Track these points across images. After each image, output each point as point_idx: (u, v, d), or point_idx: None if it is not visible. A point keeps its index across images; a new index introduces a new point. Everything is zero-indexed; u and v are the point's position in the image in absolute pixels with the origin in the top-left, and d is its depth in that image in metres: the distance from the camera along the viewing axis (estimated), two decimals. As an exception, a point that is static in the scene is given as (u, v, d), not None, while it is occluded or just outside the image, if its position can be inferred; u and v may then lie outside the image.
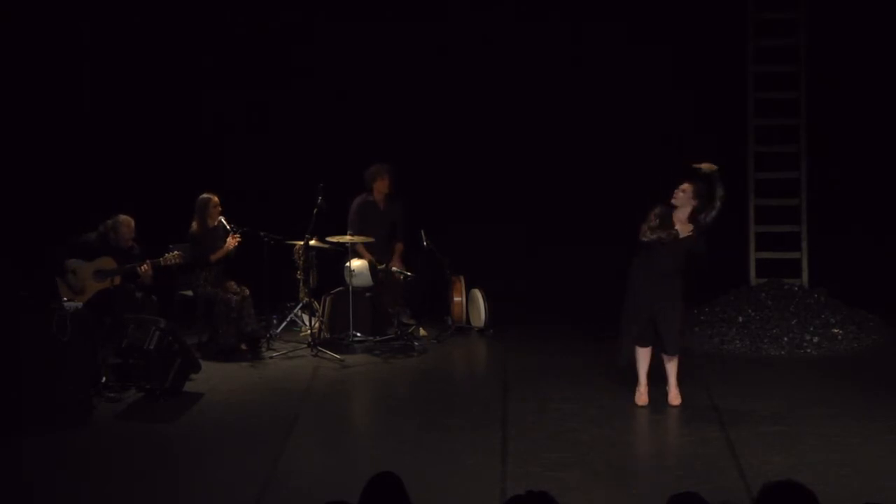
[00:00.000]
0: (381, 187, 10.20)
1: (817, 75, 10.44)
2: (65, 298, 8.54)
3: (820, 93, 10.45)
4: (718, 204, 7.64)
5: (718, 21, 10.70)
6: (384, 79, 11.20)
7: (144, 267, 9.00)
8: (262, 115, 11.31)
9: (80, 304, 8.33)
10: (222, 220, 9.54)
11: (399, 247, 10.31)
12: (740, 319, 9.81)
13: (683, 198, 7.68)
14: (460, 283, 10.46)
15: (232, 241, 9.46)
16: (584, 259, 10.78)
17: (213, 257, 9.53)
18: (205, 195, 9.58)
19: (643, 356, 7.92)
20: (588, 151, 11.09)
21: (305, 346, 9.62)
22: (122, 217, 9.14)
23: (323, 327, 9.96)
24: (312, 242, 9.76)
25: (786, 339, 9.54)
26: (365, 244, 10.07)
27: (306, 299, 9.96)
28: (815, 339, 9.53)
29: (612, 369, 8.45)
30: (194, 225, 9.58)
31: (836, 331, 9.62)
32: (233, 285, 9.54)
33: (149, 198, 10.40)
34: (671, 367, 7.94)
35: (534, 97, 11.18)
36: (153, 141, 11.21)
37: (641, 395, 7.95)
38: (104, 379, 8.29)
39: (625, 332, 7.95)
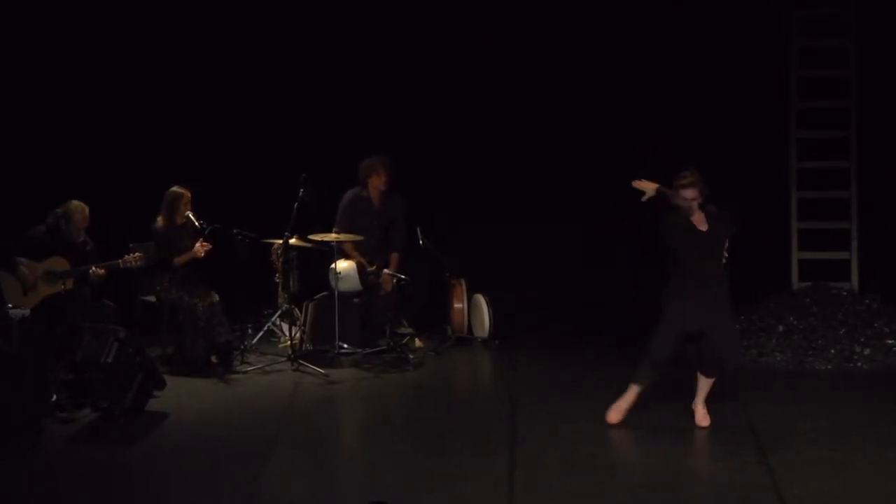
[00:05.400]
0: (376, 182, 10.20)
1: (870, 48, 10.41)
2: (9, 305, 8.51)
3: (873, 69, 10.43)
4: None
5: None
6: (377, 65, 11.23)
7: (93, 269, 8.98)
8: (238, 98, 11.32)
9: (27, 311, 8.31)
10: (190, 215, 9.51)
11: (395, 256, 10.26)
12: (781, 329, 9.81)
13: (694, 205, 7.67)
14: (461, 287, 10.48)
15: (201, 248, 9.43)
16: (601, 260, 10.78)
17: (178, 261, 9.50)
18: (176, 189, 9.55)
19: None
20: (606, 141, 11.13)
21: (285, 359, 9.62)
22: (75, 203, 9.12)
23: (305, 338, 9.96)
24: (293, 241, 9.75)
25: (833, 350, 9.54)
26: (355, 246, 10.06)
27: (286, 306, 9.96)
28: (867, 352, 9.53)
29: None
30: (160, 220, 9.55)
31: (890, 342, 9.61)
32: (202, 290, 9.52)
33: (105, 190, 10.38)
34: (704, 385, 7.94)
35: (550, 83, 11.23)
36: (112, 128, 11.20)
37: (615, 411, 7.95)
38: (55, 396, 8.27)
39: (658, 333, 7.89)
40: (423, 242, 10.15)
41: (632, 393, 7.94)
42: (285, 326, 10.11)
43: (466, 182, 11.29)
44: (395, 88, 11.23)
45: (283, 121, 11.31)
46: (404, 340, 10.11)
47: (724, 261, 7.72)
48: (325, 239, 9.80)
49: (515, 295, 10.80)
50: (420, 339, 10.31)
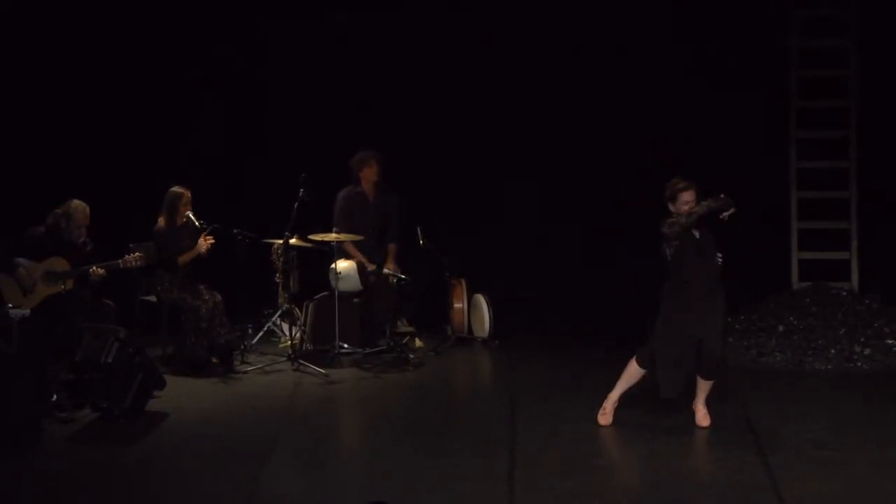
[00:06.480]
0: (368, 175, 10.22)
1: (870, 48, 10.41)
2: (9, 305, 8.52)
3: (873, 69, 10.43)
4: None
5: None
6: (375, 61, 11.22)
7: (93, 269, 8.99)
8: (237, 99, 11.31)
9: (27, 311, 8.31)
10: (190, 215, 9.52)
11: (392, 247, 10.31)
12: (781, 329, 9.81)
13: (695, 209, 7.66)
14: (461, 287, 10.47)
15: (204, 243, 9.45)
16: (600, 260, 10.77)
17: (182, 259, 9.51)
18: (177, 189, 9.56)
19: (636, 374, 7.92)
20: (606, 141, 11.12)
21: (285, 358, 9.62)
22: (76, 202, 9.10)
23: (305, 337, 9.96)
24: (293, 241, 9.75)
25: (833, 351, 9.54)
26: (354, 243, 10.07)
27: (286, 306, 9.96)
28: (867, 352, 9.52)
29: (634, 385, 8.45)
30: (161, 221, 9.57)
31: (890, 342, 9.60)
32: (202, 290, 9.52)
33: (105, 190, 10.38)
34: (703, 386, 7.94)
35: (550, 83, 11.21)
36: (112, 128, 11.20)
37: (605, 415, 7.96)
38: (55, 396, 8.26)
39: (662, 361, 7.86)
40: (423, 242, 10.15)
41: (616, 391, 7.94)
42: (285, 326, 10.11)
43: (466, 182, 11.28)
44: (395, 88, 11.21)
45: (283, 121, 11.29)
46: (404, 340, 10.11)
47: (718, 261, 7.72)
48: (325, 239, 9.81)
49: (515, 295, 10.81)
50: (420, 339, 10.32)
